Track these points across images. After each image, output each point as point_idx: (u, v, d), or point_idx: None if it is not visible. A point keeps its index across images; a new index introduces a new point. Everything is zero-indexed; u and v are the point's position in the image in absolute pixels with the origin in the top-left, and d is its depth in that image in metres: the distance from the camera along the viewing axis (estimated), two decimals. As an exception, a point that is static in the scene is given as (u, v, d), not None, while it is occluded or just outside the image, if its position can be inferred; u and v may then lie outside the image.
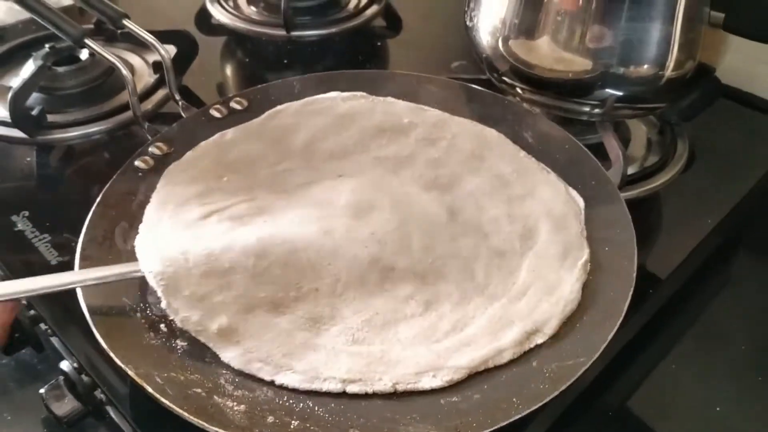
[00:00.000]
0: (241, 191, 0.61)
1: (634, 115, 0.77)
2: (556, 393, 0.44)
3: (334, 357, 0.49)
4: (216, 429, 0.43)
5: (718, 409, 0.58)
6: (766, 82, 0.86)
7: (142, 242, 0.55)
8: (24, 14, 0.86)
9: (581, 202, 0.60)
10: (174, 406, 0.43)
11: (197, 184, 0.61)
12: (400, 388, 0.47)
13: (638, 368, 0.62)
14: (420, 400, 0.47)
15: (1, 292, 0.49)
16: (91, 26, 0.86)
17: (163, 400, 0.44)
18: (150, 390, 0.44)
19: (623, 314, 0.48)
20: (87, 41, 0.75)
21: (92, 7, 0.80)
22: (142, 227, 0.57)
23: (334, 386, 0.47)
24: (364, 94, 0.71)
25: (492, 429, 0.42)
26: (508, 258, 0.57)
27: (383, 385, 0.47)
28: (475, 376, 0.48)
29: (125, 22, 0.77)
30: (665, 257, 0.66)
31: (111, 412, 0.57)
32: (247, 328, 0.51)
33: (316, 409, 0.46)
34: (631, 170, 0.73)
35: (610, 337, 0.46)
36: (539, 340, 0.50)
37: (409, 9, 1.07)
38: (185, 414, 0.43)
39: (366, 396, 0.46)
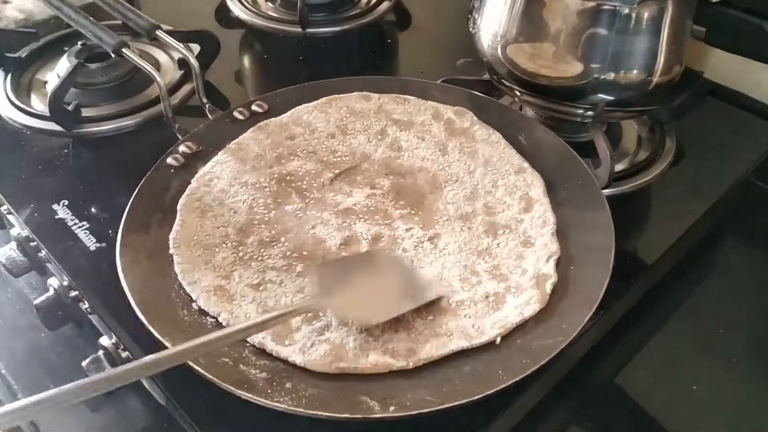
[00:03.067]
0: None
1: (625, 117, 0.80)
2: (536, 367, 0.48)
3: None
4: (242, 392, 0.47)
5: (694, 387, 0.63)
6: (752, 80, 0.88)
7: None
8: (55, 8, 0.83)
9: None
10: (206, 373, 0.47)
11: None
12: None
13: (626, 347, 0.67)
14: (417, 371, 0.51)
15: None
16: (128, 35, 0.88)
17: (196, 368, 0.48)
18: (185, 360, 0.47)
19: (599, 300, 0.52)
20: (124, 51, 0.78)
21: (127, 18, 0.84)
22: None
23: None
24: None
25: (479, 396, 0.47)
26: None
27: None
28: (465, 351, 0.52)
29: (158, 33, 0.81)
30: (653, 245, 0.68)
31: (145, 383, 0.61)
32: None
33: (328, 378, 0.51)
34: (621, 166, 0.77)
35: (585, 320, 0.51)
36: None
37: (418, 4, 1.09)
38: (215, 380, 0.47)
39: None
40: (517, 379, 0.49)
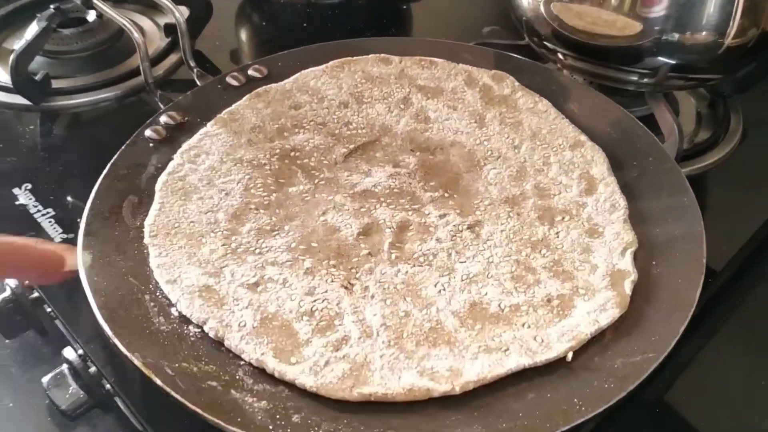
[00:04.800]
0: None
1: (686, 87, 0.74)
2: (624, 394, 0.41)
3: None
4: (234, 429, 0.40)
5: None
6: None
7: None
8: (28, -28, 0.83)
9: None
10: (186, 402, 0.41)
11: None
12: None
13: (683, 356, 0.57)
14: (464, 398, 0.43)
15: None
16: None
17: (174, 394, 0.41)
18: (159, 382, 0.41)
19: (694, 304, 0.45)
20: (95, 2, 0.73)
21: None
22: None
23: None
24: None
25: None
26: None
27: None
28: (525, 370, 0.44)
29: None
30: (720, 247, 0.60)
31: (120, 403, 0.55)
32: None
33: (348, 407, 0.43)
34: (678, 147, 0.71)
35: (681, 329, 0.44)
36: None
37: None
38: (198, 410, 0.40)
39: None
40: (600, 410, 0.40)
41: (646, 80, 0.67)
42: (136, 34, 0.68)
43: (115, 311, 0.46)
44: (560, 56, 0.70)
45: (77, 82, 0.76)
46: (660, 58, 0.64)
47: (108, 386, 0.53)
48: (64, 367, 0.54)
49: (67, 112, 0.75)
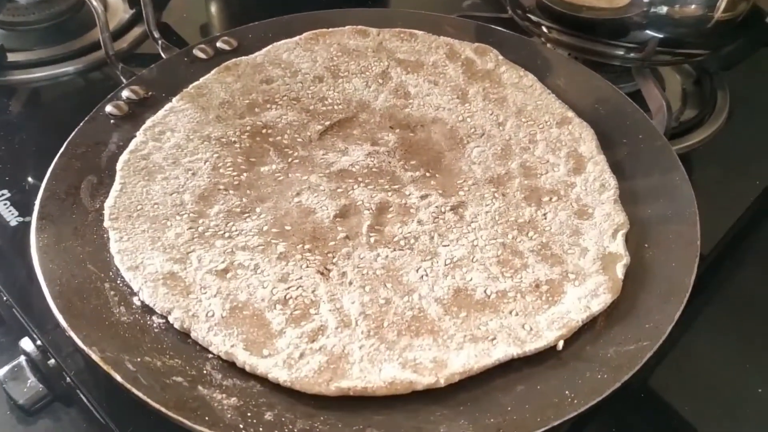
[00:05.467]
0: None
1: (673, 62, 0.72)
2: (619, 385, 0.39)
3: None
4: (202, 428, 0.37)
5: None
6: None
7: None
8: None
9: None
10: (149, 400, 0.38)
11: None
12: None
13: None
14: (449, 392, 0.41)
15: None
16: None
17: (135, 391, 0.38)
18: (119, 379, 0.39)
19: (689, 289, 0.43)
20: None
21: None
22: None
23: None
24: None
25: (543, 430, 0.37)
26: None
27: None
28: (513, 361, 0.42)
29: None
30: (708, 228, 0.57)
31: (82, 396, 0.52)
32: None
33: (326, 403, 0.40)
34: (664, 125, 0.70)
35: (676, 315, 0.42)
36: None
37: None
38: (162, 409, 0.38)
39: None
40: (594, 402, 0.38)
41: (633, 55, 0.66)
42: (94, 3, 0.65)
43: (71, 301, 0.44)
44: (544, 29, 0.68)
45: (35, 55, 0.74)
46: (648, 32, 0.62)
47: (69, 380, 0.51)
48: (22, 359, 0.53)
49: (25, 87, 0.72)
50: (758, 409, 0.51)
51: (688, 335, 0.54)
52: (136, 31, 0.77)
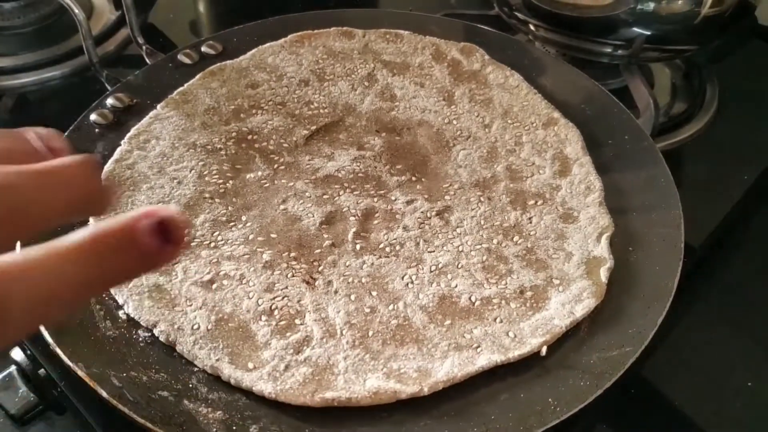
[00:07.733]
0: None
1: (661, 59, 0.71)
2: (601, 392, 0.38)
3: None
4: None
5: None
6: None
7: None
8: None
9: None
10: (134, 416, 0.38)
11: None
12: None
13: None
14: (434, 401, 0.40)
15: None
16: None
17: (121, 407, 0.38)
18: (105, 395, 0.39)
19: (673, 293, 0.43)
20: None
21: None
22: None
23: None
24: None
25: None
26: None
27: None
28: (497, 370, 0.42)
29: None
30: (698, 223, 0.59)
31: (73, 405, 0.51)
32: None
33: (311, 415, 0.40)
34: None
35: (659, 320, 0.42)
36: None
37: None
38: (148, 424, 0.38)
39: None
40: (576, 410, 0.38)
41: (620, 52, 0.65)
42: (76, 10, 0.64)
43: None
44: (531, 27, 0.68)
45: (20, 60, 0.73)
46: (635, 29, 0.62)
47: (59, 390, 0.50)
48: (13, 368, 0.51)
49: (11, 93, 0.71)
50: (748, 402, 0.50)
51: (678, 330, 0.53)
52: (123, 33, 0.76)
